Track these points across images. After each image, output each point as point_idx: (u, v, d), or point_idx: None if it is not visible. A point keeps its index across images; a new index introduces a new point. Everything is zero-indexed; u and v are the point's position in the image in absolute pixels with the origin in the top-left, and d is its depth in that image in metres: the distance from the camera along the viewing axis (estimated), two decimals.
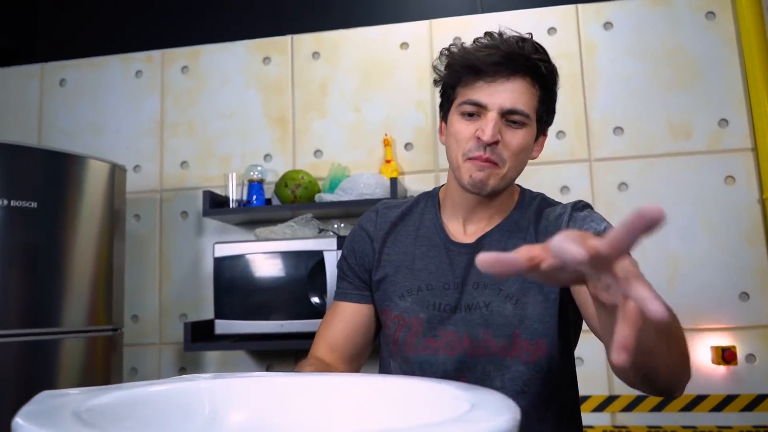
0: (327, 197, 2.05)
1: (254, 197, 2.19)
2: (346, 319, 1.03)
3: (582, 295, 0.85)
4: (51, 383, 1.73)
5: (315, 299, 1.84)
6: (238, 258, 1.91)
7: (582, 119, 2.18)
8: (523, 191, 1.04)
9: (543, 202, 1.01)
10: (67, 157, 1.85)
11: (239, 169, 2.30)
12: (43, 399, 0.52)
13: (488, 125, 0.89)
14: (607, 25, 2.22)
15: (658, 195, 2.10)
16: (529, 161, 0.98)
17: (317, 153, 2.32)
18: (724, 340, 2.00)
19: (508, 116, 0.91)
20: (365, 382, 0.61)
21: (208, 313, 2.27)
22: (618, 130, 2.17)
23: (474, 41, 0.96)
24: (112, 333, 1.90)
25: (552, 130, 2.15)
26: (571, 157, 2.17)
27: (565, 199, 2.08)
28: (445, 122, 1.00)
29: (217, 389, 0.62)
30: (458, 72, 0.93)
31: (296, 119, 2.35)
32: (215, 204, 2.13)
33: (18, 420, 0.45)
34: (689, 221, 2.07)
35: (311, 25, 2.41)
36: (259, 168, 2.22)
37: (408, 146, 2.27)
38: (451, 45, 0.97)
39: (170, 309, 2.32)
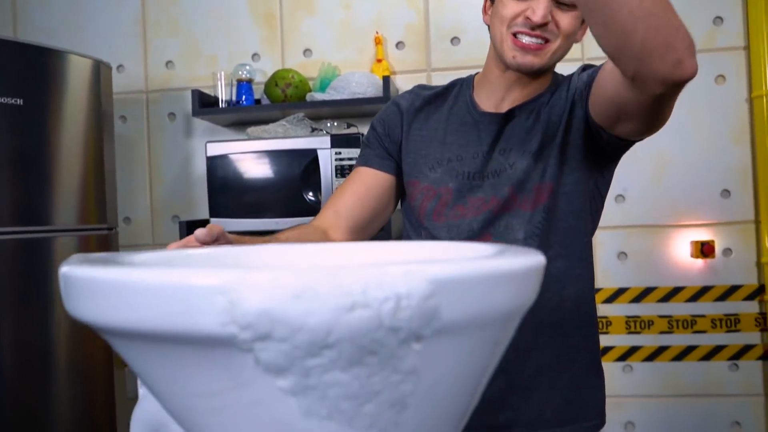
0: (318, 96, 2.02)
1: (243, 97, 2.16)
2: (362, 181, 1.05)
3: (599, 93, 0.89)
4: (46, 280, 1.76)
5: (309, 196, 1.86)
6: (231, 157, 1.90)
7: None
8: (555, 74, 1.05)
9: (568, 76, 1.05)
10: (51, 53, 1.79)
11: (226, 69, 2.25)
12: (79, 257, 0.54)
13: (540, 5, 0.89)
14: None
15: None
16: None
17: (306, 52, 2.26)
18: (704, 234, 2.08)
19: None
20: (390, 246, 0.64)
21: (201, 213, 2.28)
22: None
23: None
24: (107, 232, 1.91)
25: None
26: (567, 54, 2.15)
27: None
28: (491, 1, 0.99)
29: (243, 254, 0.65)
30: None
31: (284, 17, 2.27)
32: (204, 104, 2.10)
33: (64, 269, 0.47)
34: (679, 120, 2.08)
35: None
36: (247, 67, 2.17)
37: (399, 45, 2.22)
38: None
39: (162, 210, 2.33)
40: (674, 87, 0.75)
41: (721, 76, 2.09)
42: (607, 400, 1.05)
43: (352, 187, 1.04)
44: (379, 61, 2.16)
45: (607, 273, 2.14)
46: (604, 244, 2.14)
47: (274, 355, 0.35)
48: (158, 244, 2.33)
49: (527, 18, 0.90)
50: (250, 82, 2.17)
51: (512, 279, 0.40)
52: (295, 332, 0.34)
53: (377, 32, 2.20)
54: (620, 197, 2.12)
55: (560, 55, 0.96)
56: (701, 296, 2.10)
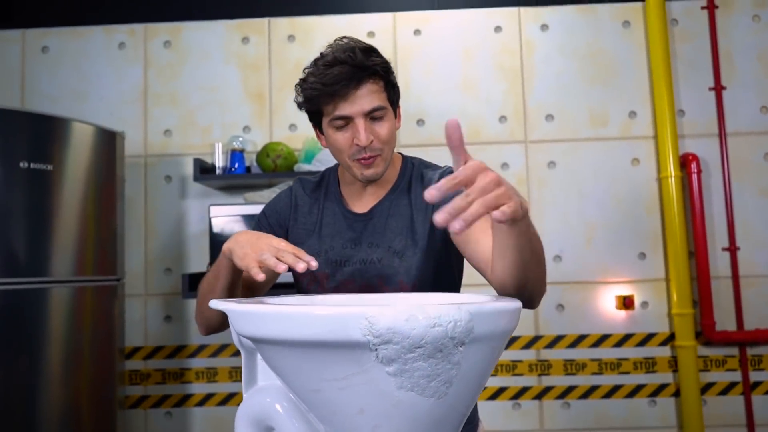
0: (306, 167, 2.35)
1: (236, 165, 2.46)
2: None
3: (461, 239, 1.10)
4: (66, 324, 1.98)
5: None
6: (231, 218, 2.19)
7: (520, 107, 2.59)
8: (405, 159, 1.26)
9: (421, 166, 1.25)
10: (77, 125, 2.06)
11: (219, 139, 2.55)
12: (220, 301, 0.83)
13: (360, 132, 1.10)
14: (544, 27, 2.61)
15: (580, 173, 2.55)
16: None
17: (292, 127, 2.60)
18: (626, 290, 2.50)
19: (371, 114, 1.11)
20: (422, 295, 0.97)
21: (192, 267, 2.53)
22: (549, 117, 2.59)
23: (315, 63, 1.13)
24: (116, 282, 2.14)
25: (494, 116, 2.57)
26: (511, 138, 2.58)
27: (505, 174, 2.48)
28: (320, 131, 1.19)
29: (333, 299, 0.96)
30: (318, 101, 1.12)
31: (273, 95, 2.61)
32: (201, 170, 2.39)
33: (222, 304, 0.77)
34: (603, 195, 2.54)
35: (286, 9, 2.66)
36: (240, 138, 2.48)
37: None
38: (301, 80, 1.14)
39: (155, 264, 2.56)
40: None
41: (636, 159, 2.55)
42: None
43: None
44: None
45: (547, 322, 2.51)
46: (544, 297, 2.52)
47: (389, 352, 0.67)
48: (150, 294, 2.55)
49: (356, 144, 1.11)
50: (242, 151, 2.48)
51: (510, 313, 0.73)
52: (405, 339, 0.66)
53: None
54: (558, 258, 2.52)
55: (391, 154, 1.17)
56: (624, 342, 2.49)
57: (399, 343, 0.66)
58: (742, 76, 2.55)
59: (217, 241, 2.18)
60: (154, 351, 2.54)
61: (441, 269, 1.19)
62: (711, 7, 2.54)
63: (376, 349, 0.67)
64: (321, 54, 1.13)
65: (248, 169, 2.52)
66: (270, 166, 2.39)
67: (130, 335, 2.52)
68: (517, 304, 0.76)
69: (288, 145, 2.47)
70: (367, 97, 1.10)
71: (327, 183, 1.27)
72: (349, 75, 1.08)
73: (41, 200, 1.95)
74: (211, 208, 2.20)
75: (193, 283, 2.25)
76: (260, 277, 0.95)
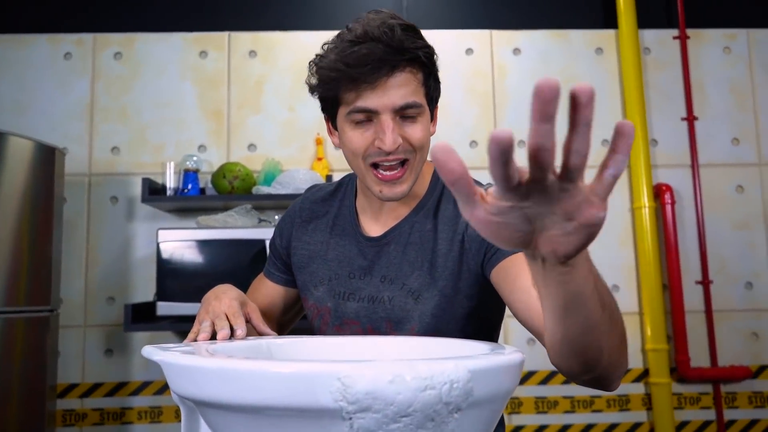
0: (265, 190, 2.19)
1: (189, 186, 2.28)
2: (265, 294, 1.07)
3: (504, 282, 0.84)
4: None
5: None
6: (182, 243, 2.01)
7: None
8: (437, 171, 0.98)
9: None
10: (8, 138, 1.85)
11: (172, 158, 2.37)
12: (154, 348, 0.67)
13: (386, 132, 0.85)
14: (516, 51, 2.54)
15: None
16: None
17: (251, 147, 2.44)
18: None
19: (402, 112, 0.86)
20: (403, 340, 0.82)
21: (138, 296, 2.32)
22: (521, 143, 2.50)
23: (339, 37, 0.88)
24: (48, 314, 1.93)
25: (465, 140, 2.45)
26: (482, 164, 2.47)
27: None
28: (333, 125, 0.93)
29: (290, 346, 0.80)
30: (337, 86, 0.87)
31: (231, 113, 2.46)
32: (151, 191, 2.20)
33: (156, 353, 0.61)
34: None
35: (247, 23, 2.52)
36: (194, 158, 2.31)
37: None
38: (318, 56, 0.90)
39: (96, 292, 2.34)
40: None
41: None
42: None
43: (257, 299, 1.05)
44: (320, 159, 2.38)
45: None
46: (515, 331, 2.40)
47: (367, 422, 0.52)
48: (89, 325, 2.32)
49: (379, 147, 0.86)
50: (196, 172, 2.31)
51: (513, 369, 0.60)
52: (388, 406, 0.51)
53: (318, 134, 2.43)
54: None
55: (422, 164, 0.92)
56: None
57: (380, 411, 0.52)
58: (714, 108, 2.53)
59: (165, 268, 1.99)
60: (92, 388, 2.30)
61: (470, 320, 0.93)
62: (683, 38, 2.52)
63: (350, 418, 0.52)
64: (347, 27, 0.88)
65: (202, 190, 2.34)
66: (226, 188, 2.22)
67: (65, 371, 2.28)
68: (520, 356, 0.63)
69: (246, 166, 2.31)
70: (400, 89, 0.84)
71: (343, 193, 1.04)
72: (381, 56, 0.83)
73: None
74: (160, 232, 2.02)
75: (137, 314, 2.04)
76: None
